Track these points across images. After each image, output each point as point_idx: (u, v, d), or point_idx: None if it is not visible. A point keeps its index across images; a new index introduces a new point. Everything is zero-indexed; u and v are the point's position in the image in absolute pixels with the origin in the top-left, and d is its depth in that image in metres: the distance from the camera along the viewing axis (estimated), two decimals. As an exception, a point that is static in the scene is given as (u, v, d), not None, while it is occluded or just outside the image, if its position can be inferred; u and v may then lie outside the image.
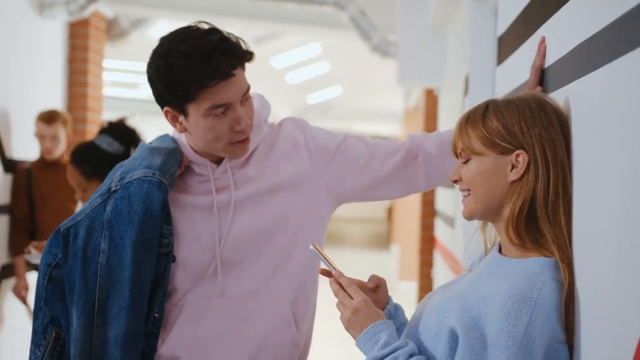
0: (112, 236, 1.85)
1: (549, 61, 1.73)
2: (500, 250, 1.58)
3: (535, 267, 1.46)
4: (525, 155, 1.49)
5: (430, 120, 6.64)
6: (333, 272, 1.65)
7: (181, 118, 1.88)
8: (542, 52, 1.76)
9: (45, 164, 4.76)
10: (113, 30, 6.72)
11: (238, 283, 1.95)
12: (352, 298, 1.59)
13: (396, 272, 11.34)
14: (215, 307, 1.94)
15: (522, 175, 1.50)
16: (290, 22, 6.76)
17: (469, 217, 1.58)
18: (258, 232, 1.95)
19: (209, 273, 1.93)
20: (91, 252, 1.86)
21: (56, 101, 5.76)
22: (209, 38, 1.82)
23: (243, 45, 1.86)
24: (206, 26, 1.86)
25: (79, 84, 5.99)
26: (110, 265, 1.85)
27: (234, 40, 1.85)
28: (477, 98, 3.92)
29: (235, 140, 1.88)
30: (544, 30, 1.80)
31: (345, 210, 22.91)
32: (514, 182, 1.51)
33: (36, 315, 1.93)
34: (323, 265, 1.69)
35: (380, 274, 1.74)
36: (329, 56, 11.28)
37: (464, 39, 4.35)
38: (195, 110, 1.84)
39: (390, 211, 18.75)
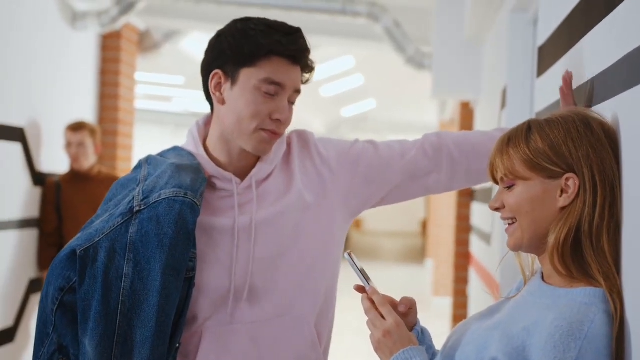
0: (137, 260, 1.73)
1: (595, 72, 1.63)
2: (543, 278, 1.47)
3: (584, 297, 1.35)
4: (576, 179, 1.39)
5: (466, 134, 6.53)
6: (367, 288, 1.57)
7: (226, 86, 1.83)
8: (567, 84, 1.71)
9: (74, 176, 4.76)
10: (145, 42, 6.70)
11: (262, 307, 1.86)
12: (384, 319, 1.51)
13: (430, 287, 11.20)
14: (240, 334, 1.85)
15: (572, 201, 1.39)
16: (324, 33, 6.70)
17: (516, 247, 1.48)
18: (278, 253, 1.86)
19: (232, 299, 1.83)
20: (112, 277, 1.74)
21: (87, 113, 5.74)
22: (291, 26, 1.87)
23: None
24: None
25: (110, 96, 5.98)
26: (134, 290, 1.73)
27: None
28: (515, 111, 3.83)
29: (267, 127, 1.82)
30: (588, 40, 1.71)
31: (380, 223, 22.98)
32: (562, 208, 1.41)
33: (41, 341, 1.79)
34: (358, 281, 1.60)
35: (414, 288, 1.66)
36: (363, 69, 11.22)
37: (501, 50, 4.25)
38: (247, 78, 1.80)
39: (424, 225, 18.61)
